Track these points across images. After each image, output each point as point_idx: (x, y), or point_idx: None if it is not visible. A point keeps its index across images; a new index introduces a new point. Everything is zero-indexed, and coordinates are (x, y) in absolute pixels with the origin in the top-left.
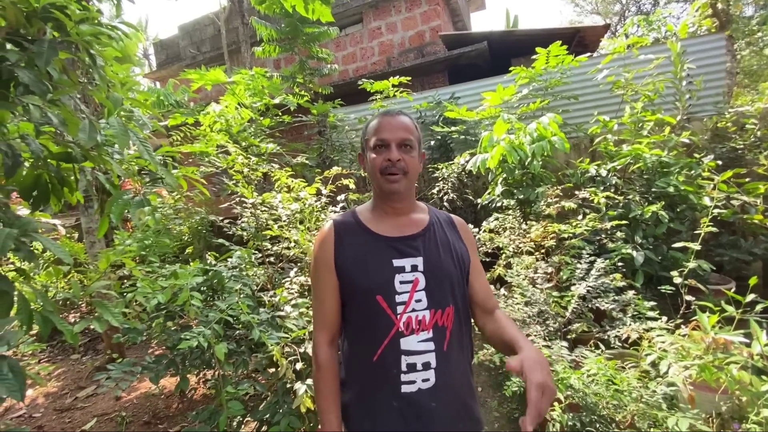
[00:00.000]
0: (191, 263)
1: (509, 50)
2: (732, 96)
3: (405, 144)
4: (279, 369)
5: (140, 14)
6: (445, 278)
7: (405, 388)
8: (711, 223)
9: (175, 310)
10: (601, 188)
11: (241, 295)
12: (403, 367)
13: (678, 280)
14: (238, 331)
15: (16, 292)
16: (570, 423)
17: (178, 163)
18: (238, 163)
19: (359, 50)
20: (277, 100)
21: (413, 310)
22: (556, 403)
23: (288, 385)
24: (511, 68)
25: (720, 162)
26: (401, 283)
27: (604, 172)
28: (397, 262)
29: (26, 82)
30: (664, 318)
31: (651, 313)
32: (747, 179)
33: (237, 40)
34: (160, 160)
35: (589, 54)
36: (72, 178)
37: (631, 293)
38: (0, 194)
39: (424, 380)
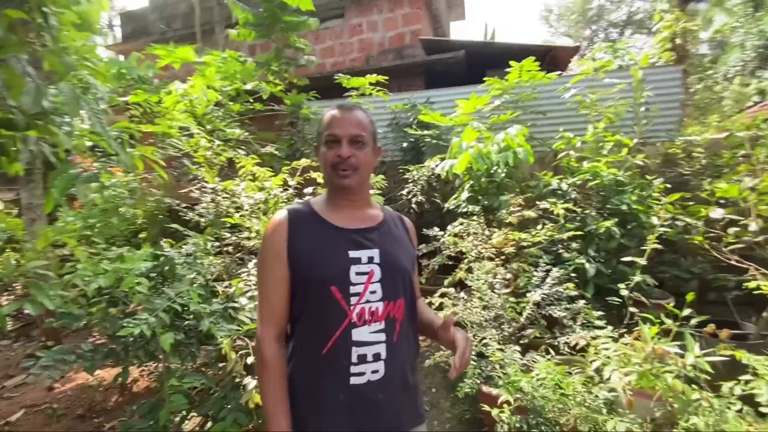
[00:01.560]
0: (143, 248)
1: (485, 61)
2: (683, 125)
3: (357, 140)
4: (228, 362)
5: None
6: (399, 272)
7: (354, 380)
8: (657, 241)
9: (119, 295)
10: (562, 201)
11: (194, 285)
12: (354, 359)
13: (624, 293)
14: (187, 322)
15: None
16: (517, 425)
17: (138, 142)
18: (201, 146)
19: (338, 45)
20: (249, 86)
21: (367, 302)
22: (505, 405)
23: (237, 380)
24: (485, 78)
25: (669, 185)
26: (357, 274)
27: (564, 186)
28: (353, 254)
29: None
30: (610, 327)
31: (599, 323)
32: (691, 203)
33: (211, 20)
34: (116, 136)
35: (559, 72)
36: (12, 147)
37: (582, 302)
38: None
39: (373, 371)
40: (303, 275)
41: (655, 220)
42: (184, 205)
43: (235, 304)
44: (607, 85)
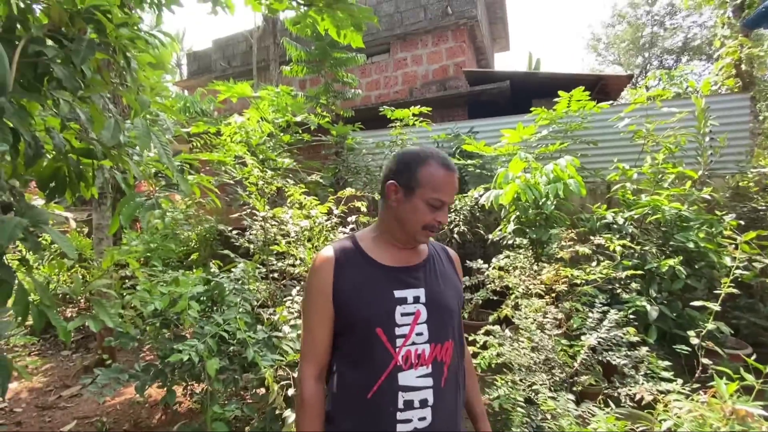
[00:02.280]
0: (195, 270)
1: (530, 91)
2: (754, 156)
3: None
4: (269, 393)
5: (178, 26)
6: (446, 311)
7: (400, 428)
8: (731, 284)
9: (171, 317)
10: (617, 236)
11: (240, 310)
12: (400, 405)
13: (695, 341)
14: (232, 347)
15: (16, 282)
16: None
17: (196, 170)
18: (254, 175)
19: (383, 78)
20: (299, 118)
21: (413, 344)
22: None
23: (277, 412)
24: (532, 108)
25: (742, 221)
26: (402, 315)
27: (620, 220)
28: (398, 293)
29: (60, 77)
30: (680, 380)
31: (665, 374)
32: None
33: (267, 58)
34: (178, 166)
35: (610, 102)
36: (90, 173)
37: (644, 350)
38: (17, 183)
39: (420, 419)
40: (348, 315)
41: (728, 261)
42: (235, 231)
43: (279, 333)
44: (665, 114)
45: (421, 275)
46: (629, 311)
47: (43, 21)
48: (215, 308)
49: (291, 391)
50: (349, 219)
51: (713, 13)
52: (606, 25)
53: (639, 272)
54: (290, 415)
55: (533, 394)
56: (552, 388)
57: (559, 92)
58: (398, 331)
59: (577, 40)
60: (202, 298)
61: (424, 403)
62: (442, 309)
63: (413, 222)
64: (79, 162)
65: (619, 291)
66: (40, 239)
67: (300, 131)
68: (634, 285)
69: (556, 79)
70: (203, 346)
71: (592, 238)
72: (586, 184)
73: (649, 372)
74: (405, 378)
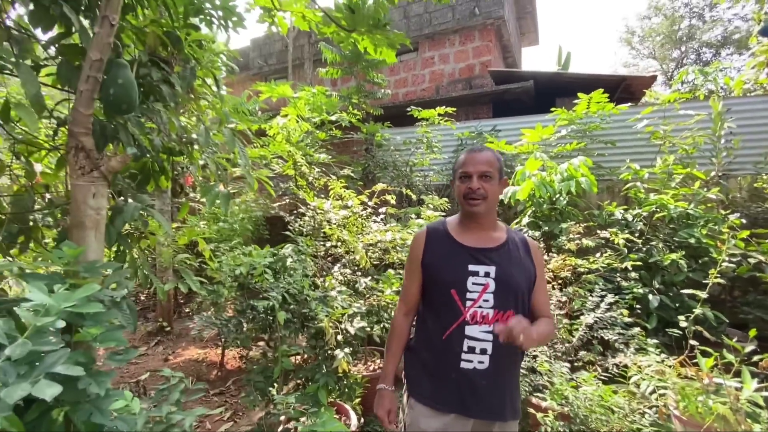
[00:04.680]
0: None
1: (555, 89)
2: None
3: (485, 175)
4: (326, 336)
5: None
6: (512, 288)
7: (463, 365)
8: (718, 275)
9: (248, 281)
10: (626, 231)
11: (301, 275)
12: (464, 348)
13: (684, 324)
14: (292, 306)
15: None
16: (560, 430)
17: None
18: (302, 172)
19: (411, 76)
20: (333, 117)
21: (480, 307)
22: (549, 411)
23: (329, 352)
24: (552, 108)
25: (746, 220)
26: (473, 284)
27: (629, 217)
28: (472, 267)
29: (166, 95)
30: (664, 355)
31: (651, 349)
32: None
33: (301, 56)
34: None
35: (630, 104)
36: (168, 168)
37: (636, 329)
38: (121, 176)
39: (479, 362)
40: (432, 277)
41: (724, 256)
42: (292, 215)
43: (331, 293)
44: (684, 116)
45: (494, 256)
46: (629, 297)
47: (127, 42)
48: (278, 277)
49: (340, 337)
50: (380, 210)
51: (754, 6)
52: (641, 17)
53: (639, 263)
54: (339, 353)
55: (534, 361)
56: (552, 359)
57: (579, 94)
58: (469, 295)
59: (611, 32)
60: (268, 269)
61: (483, 351)
62: (509, 286)
63: (459, 195)
64: (164, 158)
65: (619, 280)
66: (146, 219)
67: (333, 128)
68: (632, 274)
69: (580, 80)
70: (280, 298)
71: (599, 232)
72: (604, 182)
73: (639, 347)
74: (470, 330)
